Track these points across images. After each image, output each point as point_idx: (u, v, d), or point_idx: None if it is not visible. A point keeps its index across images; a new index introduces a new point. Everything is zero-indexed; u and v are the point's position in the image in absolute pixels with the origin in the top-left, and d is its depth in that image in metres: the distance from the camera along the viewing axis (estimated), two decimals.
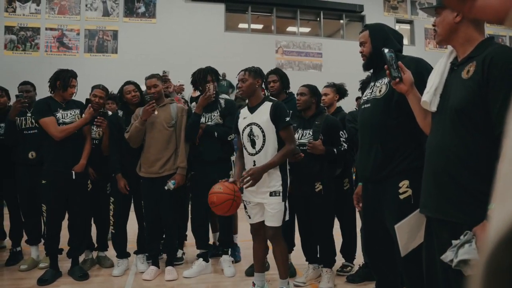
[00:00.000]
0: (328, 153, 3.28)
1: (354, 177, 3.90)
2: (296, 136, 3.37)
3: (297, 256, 3.78)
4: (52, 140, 3.50)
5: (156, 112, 3.60)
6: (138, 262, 3.88)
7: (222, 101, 3.84)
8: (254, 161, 2.93)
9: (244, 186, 2.83)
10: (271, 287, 3.28)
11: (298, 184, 3.41)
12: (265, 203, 2.90)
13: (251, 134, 2.96)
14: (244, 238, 4.20)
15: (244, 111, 3.10)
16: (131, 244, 3.97)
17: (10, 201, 4.12)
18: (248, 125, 2.99)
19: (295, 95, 3.62)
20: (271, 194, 2.88)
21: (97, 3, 12.90)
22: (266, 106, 2.96)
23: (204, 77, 3.80)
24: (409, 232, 2.08)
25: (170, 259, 3.74)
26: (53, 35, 12.58)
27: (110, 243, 4.02)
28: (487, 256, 0.27)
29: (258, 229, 3.05)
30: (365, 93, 2.48)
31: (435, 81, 1.79)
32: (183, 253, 4.16)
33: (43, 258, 3.91)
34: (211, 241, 4.15)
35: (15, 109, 3.86)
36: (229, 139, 3.74)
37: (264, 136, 2.91)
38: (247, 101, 3.16)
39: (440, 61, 1.84)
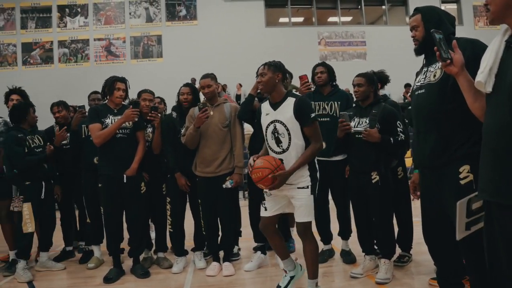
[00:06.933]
0: (384, 142, 3.21)
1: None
2: (352, 124, 3.34)
3: (354, 248, 3.75)
4: (104, 145, 3.64)
5: (211, 113, 3.66)
6: (196, 259, 3.97)
7: None
8: (282, 160, 2.80)
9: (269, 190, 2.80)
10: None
11: (354, 175, 3.39)
12: (293, 196, 2.82)
13: (275, 132, 2.84)
14: None
15: (266, 107, 2.95)
16: (189, 242, 4.08)
17: (79, 204, 4.39)
18: (272, 122, 2.86)
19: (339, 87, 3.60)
20: (299, 188, 2.80)
21: (140, 10, 13.31)
22: (290, 102, 2.82)
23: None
24: (468, 213, 1.99)
25: (227, 255, 3.80)
26: (101, 45, 13.14)
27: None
28: None
29: (268, 224, 2.98)
30: (417, 79, 2.41)
31: (489, 60, 1.69)
32: (239, 249, 4.22)
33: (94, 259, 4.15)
34: None
35: (76, 119, 4.16)
36: None
37: (289, 134, 2.80)
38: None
39: (494, 40, 1.74)
